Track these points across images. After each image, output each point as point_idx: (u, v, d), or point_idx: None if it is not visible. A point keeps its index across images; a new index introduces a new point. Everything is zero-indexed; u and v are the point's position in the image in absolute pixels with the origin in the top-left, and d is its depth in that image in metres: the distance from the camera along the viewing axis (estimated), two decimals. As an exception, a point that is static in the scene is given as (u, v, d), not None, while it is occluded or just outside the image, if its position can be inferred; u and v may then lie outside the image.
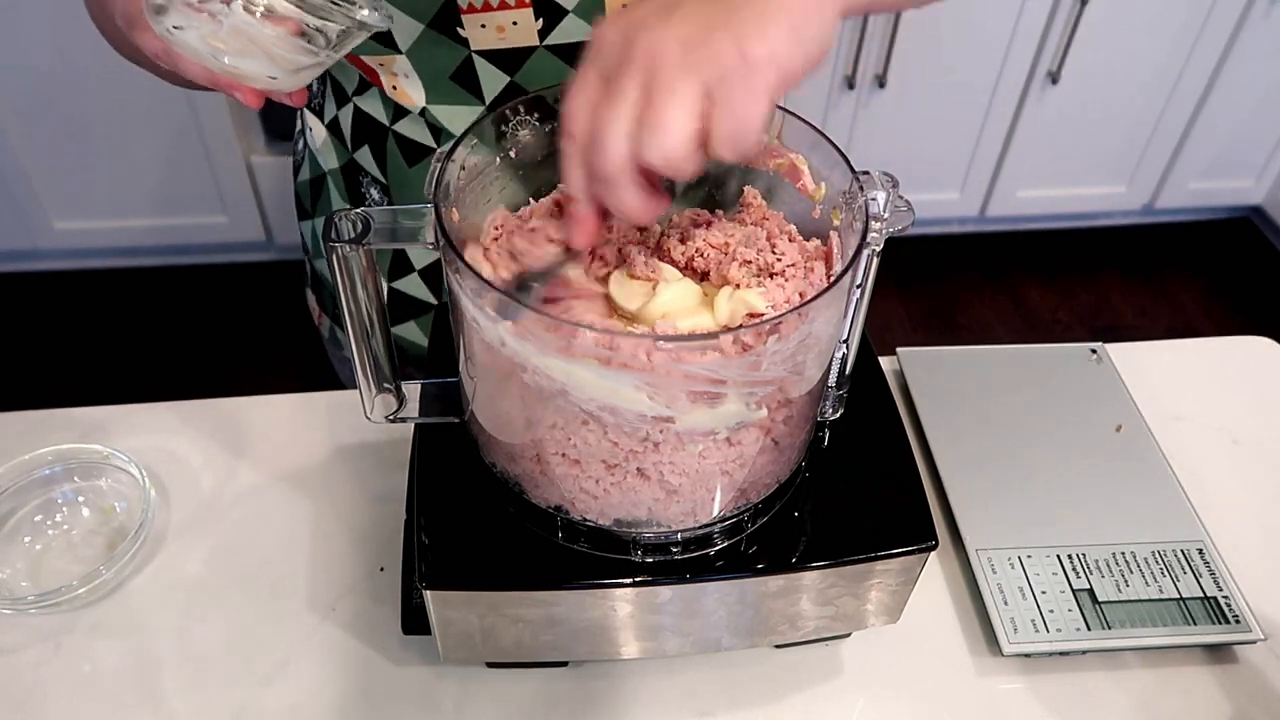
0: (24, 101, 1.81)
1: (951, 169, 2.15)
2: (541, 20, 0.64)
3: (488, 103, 0.68)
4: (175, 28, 0.47)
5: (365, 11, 0.50)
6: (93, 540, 0.70)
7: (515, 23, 0.63)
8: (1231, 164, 2.23)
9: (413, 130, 0.71)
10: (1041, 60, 1.96)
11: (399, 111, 0.71)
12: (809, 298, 0.45)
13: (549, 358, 0.44)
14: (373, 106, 0.72)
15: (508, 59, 0.66)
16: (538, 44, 0.65)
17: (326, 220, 0.48)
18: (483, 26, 0.63)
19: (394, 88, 0.69)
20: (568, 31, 0.65)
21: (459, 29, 0.64)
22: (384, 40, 0.64)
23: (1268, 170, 2.26)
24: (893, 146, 2.08)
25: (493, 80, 0.67)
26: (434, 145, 0.71)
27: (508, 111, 0.54)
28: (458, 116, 0.69)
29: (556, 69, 0.66)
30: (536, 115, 0.55)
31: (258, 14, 0.46)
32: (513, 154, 0.56)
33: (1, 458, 0.71)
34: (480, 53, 0.65)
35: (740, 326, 0.48)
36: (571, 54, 0.66)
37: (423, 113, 0.69)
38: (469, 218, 0.54)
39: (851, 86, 1.96)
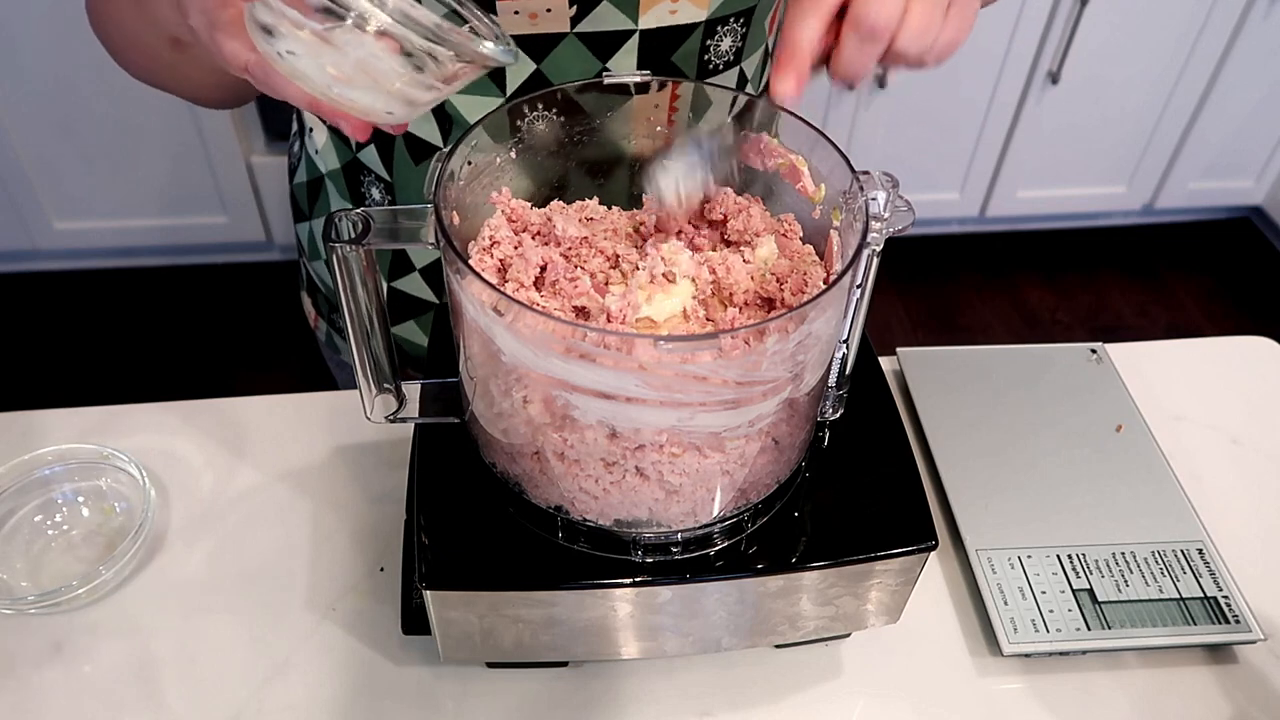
0: (24, 102, 1.81)
1: (951, 169, 2.15)
2: (575, 8, 0.64)
3: (509, 94, 0.68)
4: (289, 52, 0.42)
5: (489, 45, 0.44)
6: (93, 540, 0.70)
7: (549, 10, 0.63)
8: (1231, 164, 2.23)
9: (421, 128, 0.71)
10: (1041, 60, 1.97)
11: None
12: (809, 297, 0.45)
13: (548, 358, 0.44)
14: None
15: (536, 45, 0.66)
16: (568, 30, 0.65)
17: (326, 220, 0.48)
18: (516, 13, 0.63)
19: None
20: (600, 19, 0.64)
21: (491, 15, 0.64)
22: None
23: (1268, 170, 2.26)
24: (893, 146, 2.08)
25: (517, 69, 0.67)
26: (441, 144, 0.71)
27: (525, 106, 0.55)
28: (477, 107, 0.69)
29: (582, 58, 0.66)
30: (555, 110, 0.55)
31: (370, 29, 0.41)
32: (513, 154, 0.56)
33: (1, 458, 0.71)
34: (510, 38, 0.65)
35: (740, 327, 0.48)
36: (600, 42, 0.66)
37: (443, 103, 0.69)
38: (470, 217, 0.54)
39: (851, 86, 1.96)
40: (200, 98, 0.71)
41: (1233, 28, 1.97)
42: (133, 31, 0.63)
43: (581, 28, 0.65)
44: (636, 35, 0.66)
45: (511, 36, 0.65)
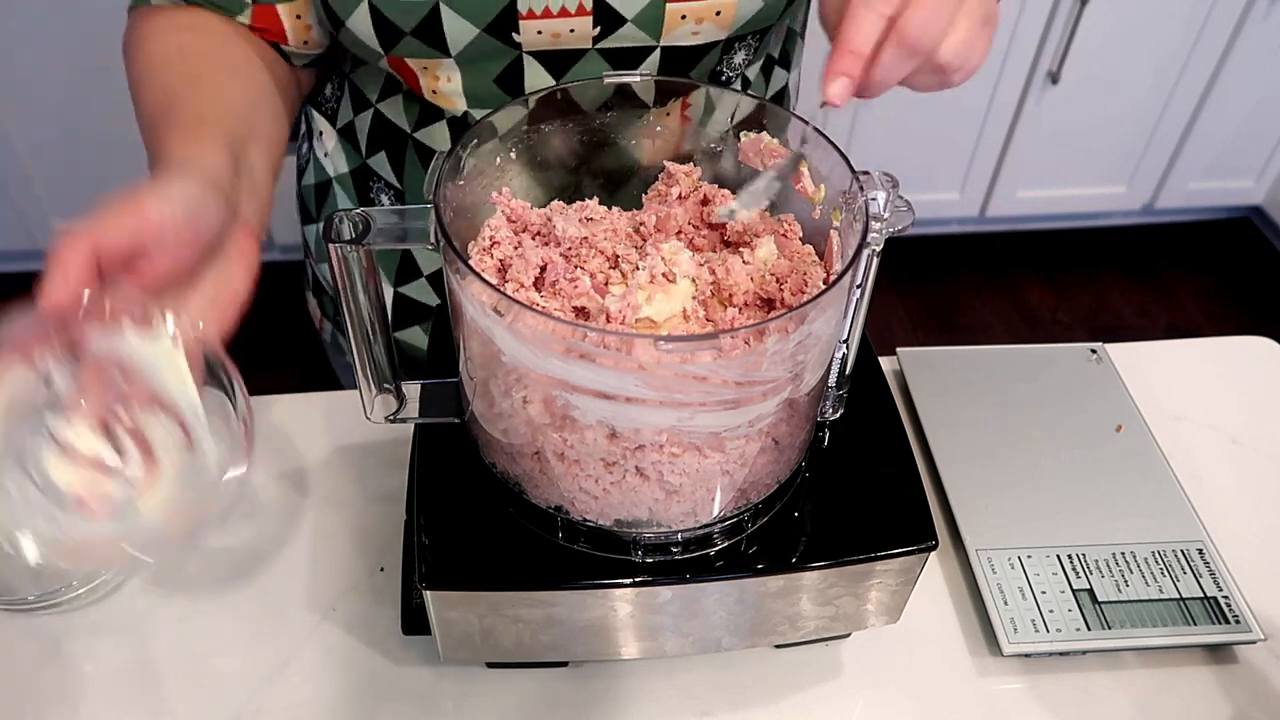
0: (25, 102, 1.81)
1: (951, 169, 2.15)
2: (599, 28, 0.64)
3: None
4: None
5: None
6: (93, 540, 0.70)
7: (572, 30, 0.64)
8: (1231, 164, 2.23)
9: (434, 138, 0.71)
10: (1041, 60, 1.96)
11: (422, 118, 0.71)
12: (809, 297, 0.45)
13: (548, 358, 0.44)
14: (395, 113, 0.72)
15: (557, 60, 0.66)
16: (590, 47, 0.65)
17: (326, 220, 0.48)
18: (539, 32, 0.64)
19: (434, 91, 0.68)
20: (622, 38, 0.65)
21: (514, 34, 0.64)
22: (434, 44, 0.64)
23: (1268, 170, 2.26)
24: (893, 146, 2.08)
25: (539, 84, 0.67)
26: None
27: (531, 103, 0.55)
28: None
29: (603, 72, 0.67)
30: (562, 111, 0.55)
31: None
32: (513, 154, 0.56)
33: (1, 458, 0.71)
34: (531, 53, 0.65)
35: (740, 327, 0.48)
36: (621, 58, 0.66)
37: (464, 116, 0.69)
38: (470, 218, 0.54)
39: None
40: None
41: (1233, 28, 1.97)
42: None
43: (603, 44, 0.65)
44: (658, 51, 0.66)
45: (532, 52, 0.65)
